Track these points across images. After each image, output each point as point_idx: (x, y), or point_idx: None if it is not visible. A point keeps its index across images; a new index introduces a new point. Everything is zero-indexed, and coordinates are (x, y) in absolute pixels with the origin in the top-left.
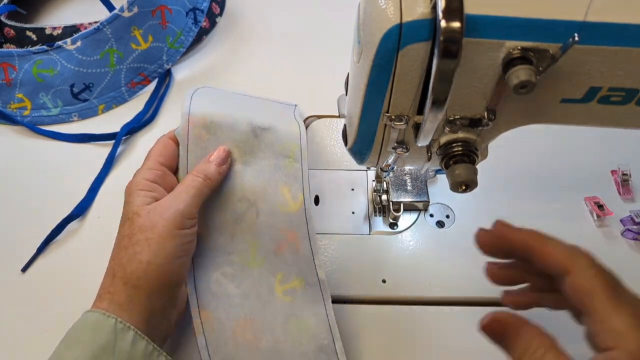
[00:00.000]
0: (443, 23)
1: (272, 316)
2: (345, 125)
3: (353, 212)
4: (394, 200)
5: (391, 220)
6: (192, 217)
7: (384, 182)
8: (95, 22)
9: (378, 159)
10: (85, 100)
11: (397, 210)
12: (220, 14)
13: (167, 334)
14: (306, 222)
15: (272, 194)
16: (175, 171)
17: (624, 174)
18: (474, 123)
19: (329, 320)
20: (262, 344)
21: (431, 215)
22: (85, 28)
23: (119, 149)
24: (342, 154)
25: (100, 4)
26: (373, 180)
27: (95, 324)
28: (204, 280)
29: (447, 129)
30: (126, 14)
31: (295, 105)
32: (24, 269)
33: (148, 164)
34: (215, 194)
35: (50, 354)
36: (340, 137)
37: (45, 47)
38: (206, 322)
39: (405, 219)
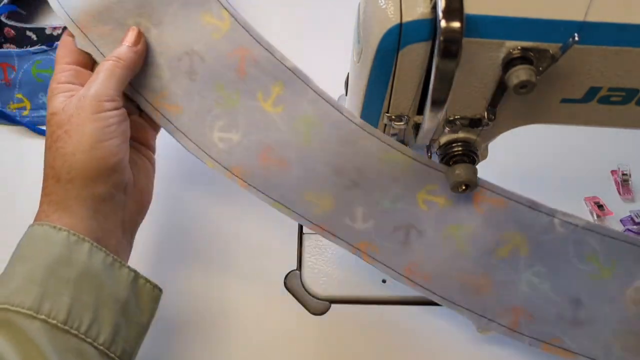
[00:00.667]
0: (443, 23)
1: (278, 132)
2: None
3: None
4: None
5: None
6: (111, 99)
7: None
8: None
9: None
10: None
11: None
12: None
13: (132, 222)
14: (246, 31)
15: (199, 30)
16: (91, 66)
17: (624, 174)
18: (474, 123)
19: (324, 98)
20: (290, 157)
21: None
22: None
23: None
24: None
25: None
26: None
27: (45, 237)
28: (209, 147)
29: (447, 129)
30: None
31: None
32: None
33: (56, 69)
34: (159, 72)
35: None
36: None
37: (44, 47)
38: (240, 174)
39: None
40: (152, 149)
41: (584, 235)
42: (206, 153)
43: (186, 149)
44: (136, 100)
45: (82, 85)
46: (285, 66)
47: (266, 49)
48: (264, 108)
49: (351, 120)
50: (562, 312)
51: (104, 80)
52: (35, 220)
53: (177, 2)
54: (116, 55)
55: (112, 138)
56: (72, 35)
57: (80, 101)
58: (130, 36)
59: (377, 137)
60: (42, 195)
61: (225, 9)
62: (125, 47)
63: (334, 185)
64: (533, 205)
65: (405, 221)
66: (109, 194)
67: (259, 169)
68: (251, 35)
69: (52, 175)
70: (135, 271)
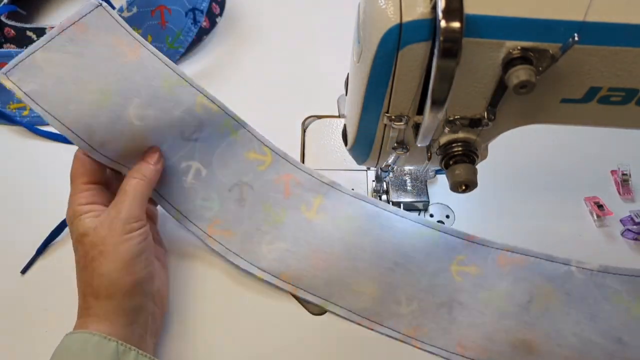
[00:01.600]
0: (443, 23)
1: (324, 232)
2: (345, 125)
3: None
4: (394, 200)
5: None
6: (137, 219)
7: (384, 182)
8: None
9: (378, 159)
10: None
11: None
12: (220, 14)
13: (157, 328)
14: (286, 160)
15: (246, 165)
16: (106, 182)
17: (624, 174)
18: (474, 123)
19: (359, 198)
20: (336, 250)
21: (431, 215)
22: None
23: None
24: (342, 154)
25: None
26: (373, 181)
27: (98, 346)
28: (259, 260)
29: (447, 129)
30: (125, 14)
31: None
32: (24, 271)
33: (75, 189)
34: (210, 205)
35: None
36: (340, 137)
37: None
38: (288, 279)
39: None
40: (158, 242)
41: (602, 278)
42: (257, 267)
43: (238, 266)
44: (191, 230)
45: (103, 203)
46: (324, 182)
47: (306, 173)
48: (308, 217)
49: (385, 210)
50: (612, 354)
51: (132, 202)
52: (76, 328)
53: (222, 144)
54: (141, 172)
55: (142, 253)
56: (86, 153)
57: (113, 223)
58: (153, 155)
59: (409, 218)
60: (80, 309)
61: (266, 145)
62: (148, 165)
63: (378, 269)
64: (549, 258)
65: (445, 296)
66: (143, 303)
67: (307, 270)
68: (292, 164)
69: (91, 293)
70: None
